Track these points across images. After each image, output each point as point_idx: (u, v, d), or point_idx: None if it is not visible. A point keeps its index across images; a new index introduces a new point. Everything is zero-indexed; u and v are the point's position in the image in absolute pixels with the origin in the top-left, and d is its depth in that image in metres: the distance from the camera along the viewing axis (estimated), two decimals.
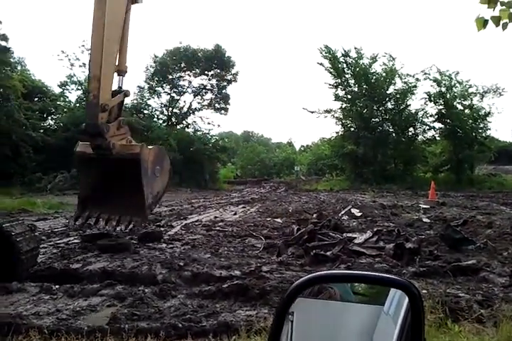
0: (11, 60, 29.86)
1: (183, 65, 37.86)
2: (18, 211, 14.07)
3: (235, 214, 14.36)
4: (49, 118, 33.18)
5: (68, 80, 33.95)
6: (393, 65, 33.79)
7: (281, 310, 1.28)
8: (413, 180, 31.16)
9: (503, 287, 5.65)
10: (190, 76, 38.58)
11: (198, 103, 39.03)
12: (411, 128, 34.63)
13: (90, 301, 5.13)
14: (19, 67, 32.81)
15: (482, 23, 3.73)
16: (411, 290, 1.26)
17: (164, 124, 37.04)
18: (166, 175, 8.87)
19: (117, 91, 8.43)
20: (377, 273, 1.45)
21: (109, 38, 7.83)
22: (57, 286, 5.62)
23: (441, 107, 33.15)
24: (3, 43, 27.52)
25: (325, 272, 1.39)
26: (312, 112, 35.06)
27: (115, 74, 8.35)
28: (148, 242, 8.74)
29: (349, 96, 34.73)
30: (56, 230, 10.29)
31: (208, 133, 38.90)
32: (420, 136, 35.09)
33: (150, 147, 8.51)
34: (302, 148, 65.94)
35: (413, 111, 34.27)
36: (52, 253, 7.68)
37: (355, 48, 34.20)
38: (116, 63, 8.34)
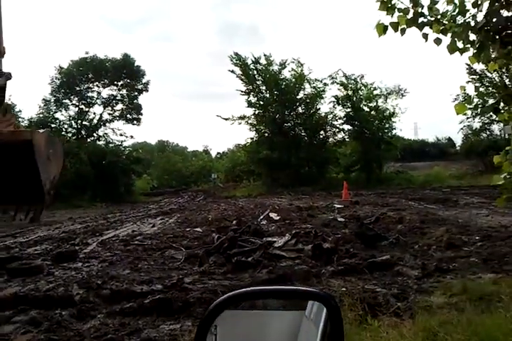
0: None
1: (90, 75, 36.68)
2: None
3: (154, 226, 14.06)
4: None
5: None
6: (302, 70, 34.85)
7: (203, 328, 1.25)
8: (326, 181, 32.16)
9: (417, 279, 5.95)
10: (99, 87, 37.46)
11: (109, 114, 37.98)
12: (322, 131, 35.84)
13: (2, 330, 4.79)
14: None
15: (382, 29, 3.90)
16: (328, 301, 1.29)
17: (74, 138, 35.62)
18: (61, 159, 8.43)
19: None
20: (294, 287, 1.47)
21: None
22: None
23: (349, 110, 34.60)
24: None
25: (244, 290, 1.38)
26: (226, 119, 35.31)
27: None
28: (63, 262, 8.32)
29: (261, 103, 35.32)
30: None
31: (121, 145, 37.92)
32: (331, 138, 36.48)
33: (40, 131, 8.02)
34: (219, 155, 66.19)
35: (323, 115, 35.51)
36: None
37: (265, 55, 34.95)
38: None
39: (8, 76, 8.05)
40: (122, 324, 4.79)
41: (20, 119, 33.97)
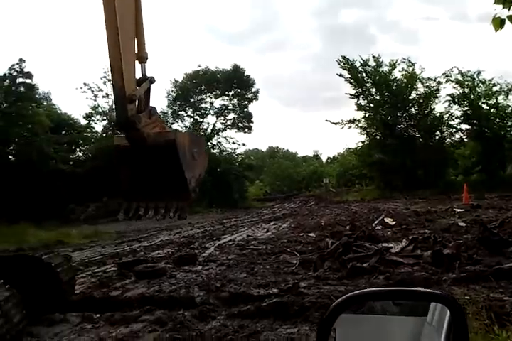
0: (37, 96, 30.76)
1: (203, 87, 38.38)
2: (54, 243, 14.31)
3: (267, 231, 14.32)
4: (77, 149, 33.88)
5: (93, 111, 34.70)
6: (413, 70, 33.64)
7: (323, 330, 1.26)
8: (445, 184, 30.60)
9: None
10: (211, 97, 39.08)
11: (222, 123, 39.43)
12: (437, 132, 34.23)
13: (132, 328, 5.16)
14: (45, 103, 33.66)
15: (499, 24, 3.69)
16: (451, 303, 1.24)
17: None
18: (205, 157, 8.78)
19: (142, 79, 8.14)
20: (416, 289, 1.43)
21: (123, 24, 7.38)
22: (98, 315, 5.66)
23: (466, 108, 32.73)
24: (28, 81, 28.45)
25: (364, 290, 1.37)
26: (336, 124, 35.03)
27: (136, 62, 8.00)
28: (184, 265, 8.76)
29: (372, 105, 34.60)
30: (93, 259, 10.42)
31: (234, 153, 39.19)
32: (448, 139, 34.65)
33: (183, 132, 8.38)
34: (329, 160, 65.64)
35: (438, 115, 33.91)
36: (91, 282, 7.76)
37: (373, 57, 34.23)
38: (136, 51, 7.99)
39: (152, 80, 8.42)
40: (241, 326, 4.93)
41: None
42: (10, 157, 28.33)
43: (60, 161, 29.08)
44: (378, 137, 35.12)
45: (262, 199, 40.75)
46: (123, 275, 8.14)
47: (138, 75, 7.97)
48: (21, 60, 28.20)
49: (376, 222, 13.38)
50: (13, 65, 28.09)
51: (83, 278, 7.94)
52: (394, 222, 12.88)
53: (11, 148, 28.82)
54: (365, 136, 35.96)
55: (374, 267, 6.99)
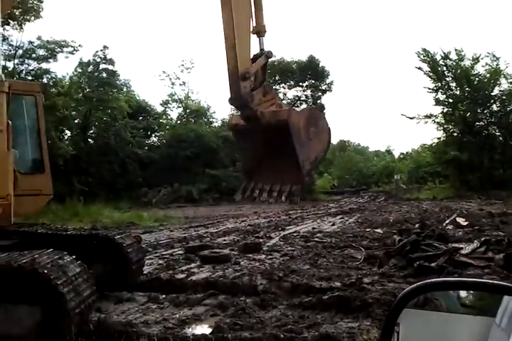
0: (118, 82, 32.03)
1: (277, 77, 38.38)
2: (127, 224, 14.93)
3: (333, 224, 14.20)
4: (153, 135, 35.02)
5: (169, 99, 35.67)
6: (497, 65, 31.92)
7: (390, 319, 1.24)
8: None
9: None
10: (284, 88, 39.07)
11: None
12: None
13: (195, 310, 5.30)
14: (125, 89, 35.01)
15: None
16: None
17: None
18: (325, 137, 8.38)
19: (258, 54, 7.71)
20: (488, 280, 1.36)
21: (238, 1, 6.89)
22: (163, 296, 5.87)
23: None
24: (111, 67, 29.68)
25: (436, 279, 1.32)
26: (411, 118, 33.93)
27: (254, 35, 7.49)
28: (248, 253, 8.88)
29: (450, 100, 33.22)
30: (161, 242, 10.77)
31: None
32: None
33: (299, 109, 7.85)
34: (402, 156, 63.82)
35: None
36: (158, 264, 8.03)
37: (456, 50, 32.74)
38: (253, 24, 7.48)
39: (269, 55, 7.98)
40: (301, 316, 4.95)
41: (214, 119, 37.14)
42: (90, 140, 29.70)
43: (136, 146, 30.17)
44: (456, 134, 33.71)
45: (329, 192, 40.35)
46: (189, 259, 8.37)
47: (255, 49, 7.37)
48: (105, 47, 29.53)
49: (447, 222, 12.93)
50: (97, 52, 29.45)
51: (151, 260, 8.24)
52: (466, 223, 12.37)
53: (91, 131, 30.22)
54: (441, 132, 34.61)
55: (442, 267, 6.76)
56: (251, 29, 7.33)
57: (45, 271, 3.99)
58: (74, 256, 4.52)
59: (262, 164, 7.49)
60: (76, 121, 28.94)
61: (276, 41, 76.66)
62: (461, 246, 8.23)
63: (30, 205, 6.13)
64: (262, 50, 7.52)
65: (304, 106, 39.16)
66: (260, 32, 7.48)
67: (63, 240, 5.82)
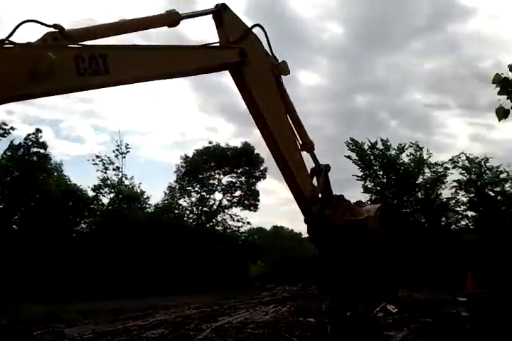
0: (49, 166, 31.39)
1: (213, 163, 39.05)
2: (50, 318, 13.92)
3: (266, 314, 13.90)
4: (82, 221, 33.89)
5: (102, 184, 35.11)
6: (421, 154, 34.01)
7: None
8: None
9: None
10: (219, 174, 39.62)
11: (228, 200, 39.64)
12: (443, 218, 33.99)
13: None
14: (55, 173, 34.18)
15: (503, 113, 3.83)
16: None
17: (194, 223, 37.35)
18: (399, 232, 8.15)
19: (316, 169, 7.56)
20: None
21: (278, 121, 6.82)
22: None
23: (472, 195, 32.64)
24: (42, 151, 29.29)
25: None
26: None
27: (303, 152, 7.39)
28: None
29: (378, 188, 34.72)
30: (85, 337, 10.08)
31: (238, 231, 39.00)
32: (453, 226, 34.27)
33: (373, 212, 7.49)
34: None
35: (444, 200, 33.83)
36: None
37: (382, 140, 34.75)
38: (300, 142, 7.35)
39: (327, 169, 7.79)
40: None
41: (147, 205, 36.74)
42: (14, 226, 28.35)
43: (63, 233, 29.01)
44: None
45: (263, 280, 39.83)
46: None
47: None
48: (38, 130, 29.27)
49: (378, 309, 13.00)
50: (29, 135, 29.11)
51: None
52: (396, 310, 12.44)
53: (16, 217, 28.91)
54: None
55: None
56: (299, 148, 7.28)
57: None
58: None
59: (346, 269, 7.46)
60: (1, 206, 27.75)
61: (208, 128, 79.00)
62: (392, 333, 8.26)
63: None
64: (317, 165, 7.45)
65: (239, 192, 39.70)
66: (307, 147, 7.39)
67: None
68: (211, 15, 6.25)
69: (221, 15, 6.17)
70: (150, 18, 5.51)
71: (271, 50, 6.66)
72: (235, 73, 6.40)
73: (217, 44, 6.20)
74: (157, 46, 5.32)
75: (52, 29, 4.47)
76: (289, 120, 7.41)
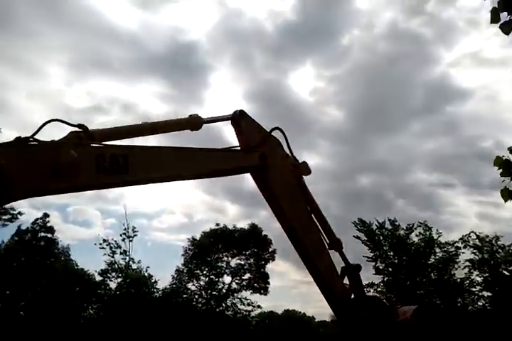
0: (56, 250, 31.34)
1: (220, 246, 38.77)
2: None
3: None
4: (89, 307, 33.17)
5: (109, 268, 34.74)
6: (430, 234, 33.75)
7: None
8: None
9: None
10: (227, 256, 39.14)
11: (237, 283, 38.83)
12: (459, 299, 32.99)
13: None
14: (62, 258, 34.00)
15: (507, 194, 3.97)
16: None
17: (203, 308, 36.31)
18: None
19: (346, 269, 7.42)
20: None
21: (304, 222, 6.76)
22: None
23: (486, 275, 31.95)
24: (49, 235, 29.44)
25: None
26: None
27: (331, 251, 7.32)
28: None
29: (390, 269, 34.07)
30: None
31: (249, 315, 37.76)
32: (470, 307, 33.18)
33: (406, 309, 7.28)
34: None
35: (458, 281, 33.04)
36: None
37: (389, 220, 34.74)
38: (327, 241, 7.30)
39: (358, 268, 7.63)
40: None
41: (155, 290, 36.02)
42: (21, 312, 27.81)
43: (71, 319, 28.36)
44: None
45: None
46: None
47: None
48: (45, 215, 29.59)
49: None
50: (36, 220, 29.39)
51: None
52: None
53: (23, 303, 28.42)
54: (384, 301, 34.68)
55: None
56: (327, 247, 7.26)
57: None
58: None
59: None
60: (8, 292, 27.36)
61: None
62: None
63: None
64: (347, 264, 7.38)
65: (248, 275, 38.96)
66: (335, 246, 7.27)
67: None
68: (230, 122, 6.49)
69: (239, 122, 6.39)
70: (173, 121, 5.78)
71: (290, 151, 6.71)
72: (256, 176, 6.52)
73: (238, 148, 6.34)
74: (178, 148, 5.40)
75: (76, 128, 4.56)
76: (314, 218, 7.34)
